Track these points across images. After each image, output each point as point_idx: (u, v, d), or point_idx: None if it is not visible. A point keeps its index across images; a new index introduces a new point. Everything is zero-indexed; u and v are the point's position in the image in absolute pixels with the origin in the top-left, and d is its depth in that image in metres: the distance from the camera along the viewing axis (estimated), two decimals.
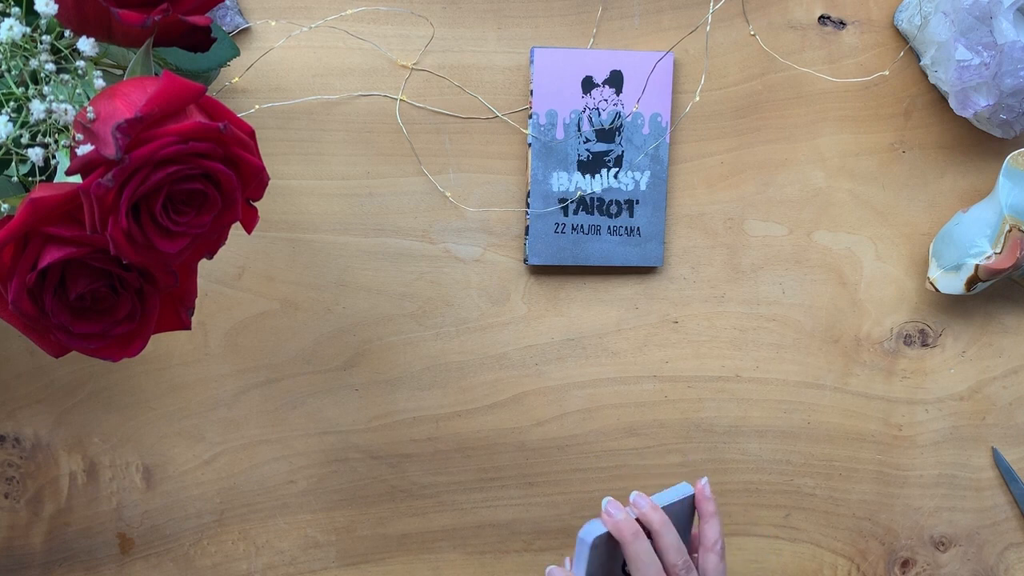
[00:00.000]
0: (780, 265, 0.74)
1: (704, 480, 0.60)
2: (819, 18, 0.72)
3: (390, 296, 0.71)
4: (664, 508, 0.58)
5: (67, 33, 0.42)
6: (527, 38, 0.70)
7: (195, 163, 0.41)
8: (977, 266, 0.70)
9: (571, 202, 0.70)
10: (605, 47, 0.70)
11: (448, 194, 0.71)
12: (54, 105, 0.40)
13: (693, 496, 0.60)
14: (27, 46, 0.41)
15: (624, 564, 0.57)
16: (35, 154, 0.40)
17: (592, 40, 0.70)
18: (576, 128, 0.70)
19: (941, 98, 0.73)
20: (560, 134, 0.70)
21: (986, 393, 0.76)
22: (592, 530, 0.56)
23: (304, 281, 0.71)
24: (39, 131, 0.41)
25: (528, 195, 0.70)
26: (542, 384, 0.73)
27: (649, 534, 0.56)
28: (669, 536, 0.56)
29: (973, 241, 0.70)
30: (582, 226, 0.71)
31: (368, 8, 0.68)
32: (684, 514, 0.60)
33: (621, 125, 0.70)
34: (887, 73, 0.72)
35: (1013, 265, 0.69)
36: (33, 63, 0.41)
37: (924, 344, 0.76)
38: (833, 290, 0.74)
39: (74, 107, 0.41)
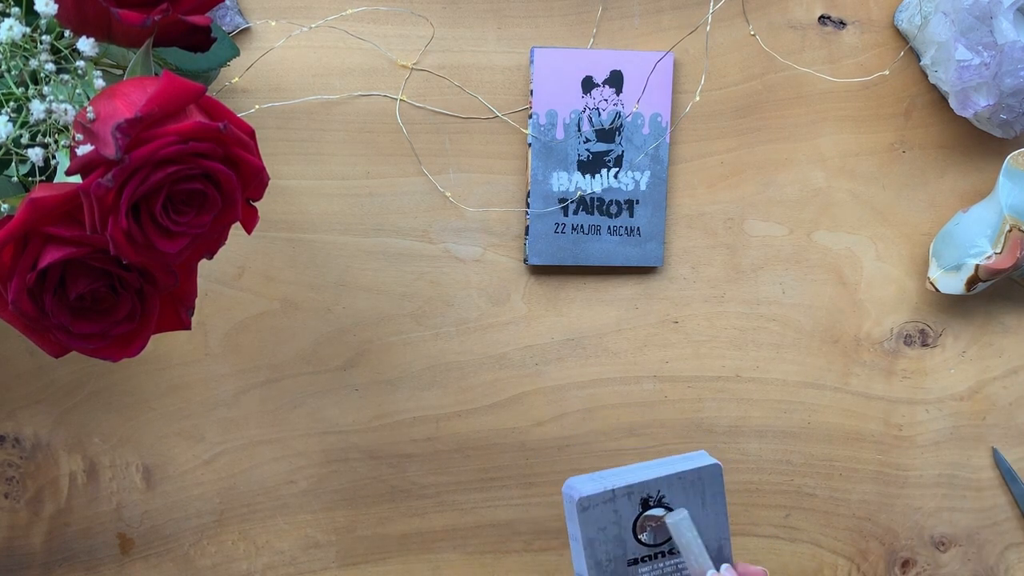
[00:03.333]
0: (780, 265, 0.74)
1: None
2: (819, 18, 0.72)
3: (390, 296, 0.71)
4: (678, 475, 0.52)
5: (67, 33, 0.42)
6: (527, 38, 0.70)
7: (195, 163, 0.41)
8: (977, 266, 0.70)
9: (571, 202, 0.70)
10: (605, 47, 0.70)
11: (448, 194, 0.71)
12: (54, 105, 0.40)
13: (717, 468, 0.53)
14: (27, 46, 0.41)
15: (636, 527, 0.52)
16: (35, 154, 0.40)
17: (592, 40, 0.70)
18: (576, 128, 0.70)
19: (941, 98, 0.73)
20: (560, 134, 0.70)
21: (986, 393, 0.76)
22: (578, 487, 0.48)
23: (304, 281, 0.71)
24: (39, 131, 0.41)
25: (528, 195, 0.70)
26: (542, 384, 0.73)
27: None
28: None
29: (973, 241, 0.70)
30: (582, 226, 0.71)
31: (368, 8, 0.68)
32: (703, 487, 0.54)
33: (621, 125, 0.70)
34: (887, 73, 0.72)
35: (1013, 265, 0.69)
36: (33, 63, 0.41)
37: (924, 344, 0.76)
38: (833, 290, 0.74)
39: (74, 107, 0.41)
